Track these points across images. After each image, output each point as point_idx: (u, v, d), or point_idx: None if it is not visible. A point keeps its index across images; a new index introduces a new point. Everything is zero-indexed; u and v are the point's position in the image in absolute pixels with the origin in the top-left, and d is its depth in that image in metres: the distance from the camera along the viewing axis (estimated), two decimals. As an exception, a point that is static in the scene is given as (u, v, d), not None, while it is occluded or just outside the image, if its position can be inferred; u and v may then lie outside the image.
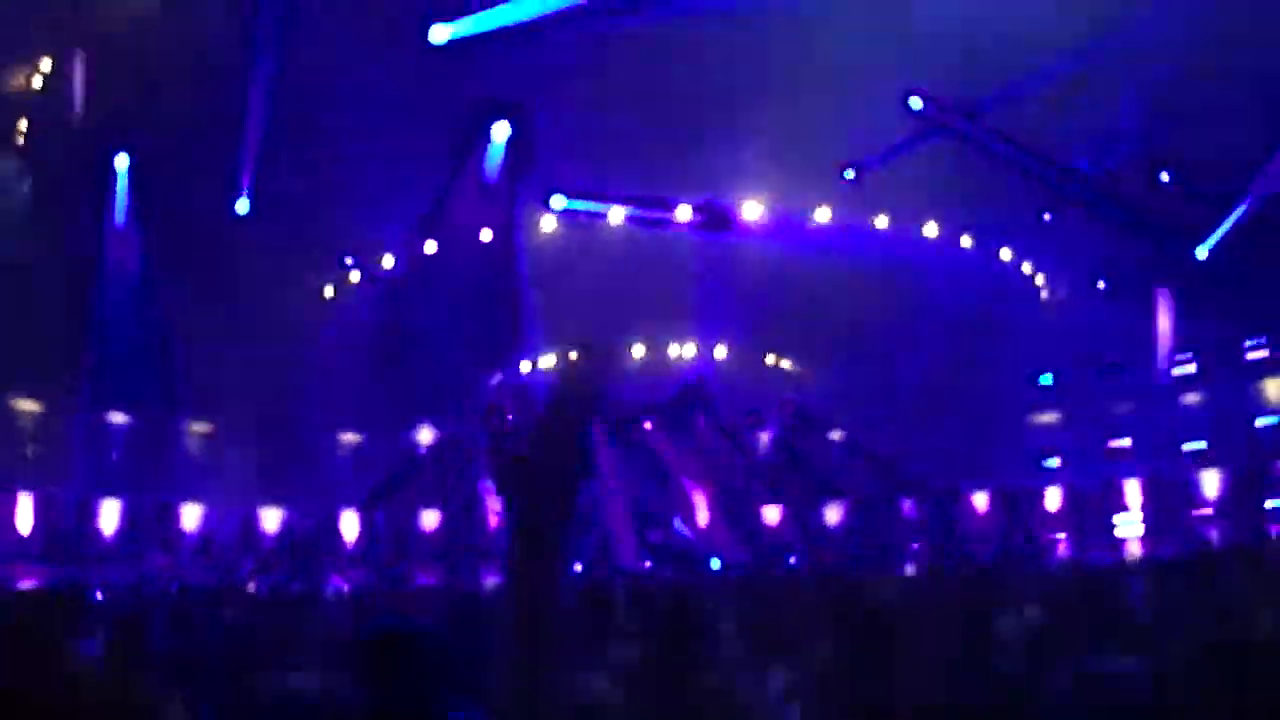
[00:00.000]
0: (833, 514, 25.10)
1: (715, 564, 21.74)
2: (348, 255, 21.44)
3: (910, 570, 13.11)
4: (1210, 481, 21.70)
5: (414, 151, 18.01)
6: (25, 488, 19.77)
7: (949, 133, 19.12)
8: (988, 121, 18.84)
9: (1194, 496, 21.68)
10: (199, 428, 23.34)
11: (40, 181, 17.72)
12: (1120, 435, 23.01)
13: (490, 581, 21.01)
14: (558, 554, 1.76)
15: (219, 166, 17.71)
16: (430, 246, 21.18)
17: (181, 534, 22.00)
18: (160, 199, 18.74)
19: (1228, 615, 4.75)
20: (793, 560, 21.51)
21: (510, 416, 25.66)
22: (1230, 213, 19.94)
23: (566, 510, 1.80)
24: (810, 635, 6.21)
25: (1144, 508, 22.41)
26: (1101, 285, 22.25)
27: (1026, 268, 23.55)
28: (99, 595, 10.79)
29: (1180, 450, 22.29)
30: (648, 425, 24.86)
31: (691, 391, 24.99)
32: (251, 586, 17.24)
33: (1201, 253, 20.45)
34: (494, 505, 25.62)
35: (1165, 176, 20.17)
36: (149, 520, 21.77)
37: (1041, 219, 21.25)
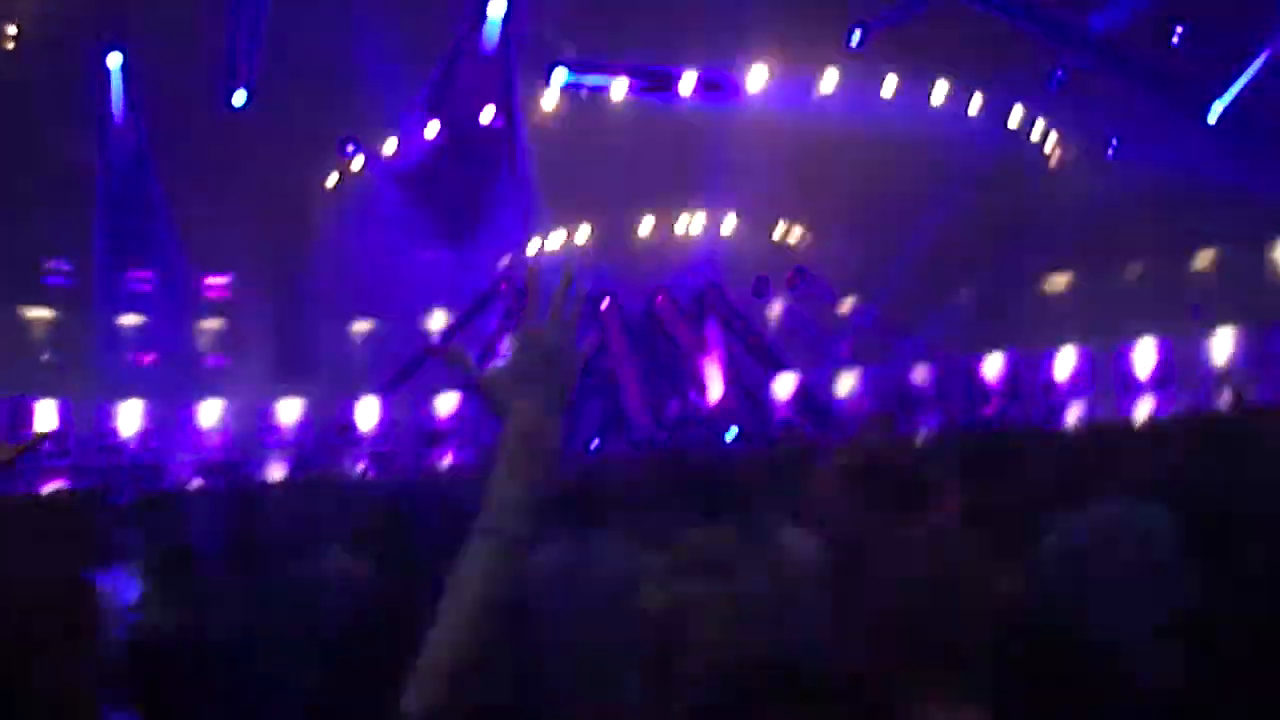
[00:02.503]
0: (845, 382, 25.17)
1: (730, 435, 21.93)
2: (348, 143, 21.23)
3: (924, 435, 13.15)
4: (1223, 341, 21.58)
5: (411, 34, 17.69)
6: (44, 395, 19.93)
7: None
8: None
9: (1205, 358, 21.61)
10: (210, 324, 23.41)
11: (33, 87, 17.47)
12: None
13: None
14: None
15: (213, 60, 17.46)
16: (432, 129, 20.94)
17: (200, 431, 22.23)
18: (155, 96, 18.52)
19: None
20: (805, 429, 21.66)
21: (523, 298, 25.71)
22: (1243, 72, 19.42)
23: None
24: (830, 503, 6.28)
25: (1156, 369, 22.38)
26: (1113, 146, 21.91)
27: (1037, 131, 23.20)
28: (124, 497, 10.92)
29: (1191, 312, 22.15)
30: (658, 300, 24.86)
31: (700, 265, 24.92)
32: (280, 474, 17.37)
33: (1213, 114, 19.99)
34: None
35: (1178, 34, 19.68)
36: (169, 420, 21.99)
37: (1052, 80, 20.86)
